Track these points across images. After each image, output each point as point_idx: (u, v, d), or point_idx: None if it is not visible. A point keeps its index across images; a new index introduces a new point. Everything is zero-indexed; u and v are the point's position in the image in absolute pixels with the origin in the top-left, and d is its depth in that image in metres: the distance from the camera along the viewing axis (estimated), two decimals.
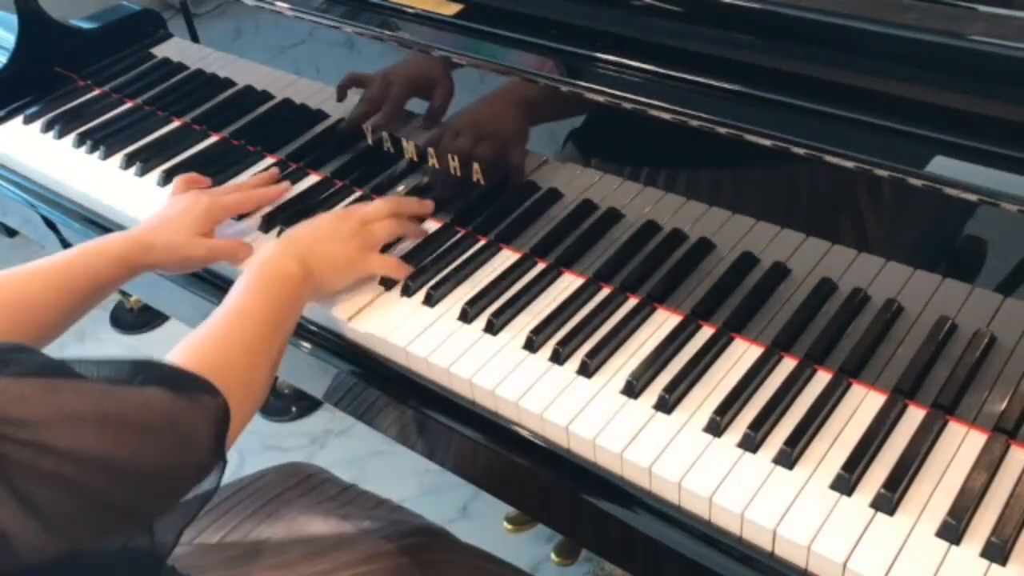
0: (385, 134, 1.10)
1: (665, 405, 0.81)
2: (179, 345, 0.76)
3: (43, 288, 0.87)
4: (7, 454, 0.52)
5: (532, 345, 0.88)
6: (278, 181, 1.13)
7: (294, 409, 1.89)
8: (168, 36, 1.31)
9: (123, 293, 2.06)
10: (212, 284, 1.06)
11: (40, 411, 0.55)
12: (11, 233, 2.18)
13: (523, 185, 1.01)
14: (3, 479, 0.52)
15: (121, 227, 1.15)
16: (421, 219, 1.05)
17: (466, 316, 0.93)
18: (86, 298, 0.91)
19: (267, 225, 1.08)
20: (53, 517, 0.54)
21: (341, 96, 1.10)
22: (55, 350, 0.83)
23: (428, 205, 1.05)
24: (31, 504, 0.53)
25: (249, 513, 0.96)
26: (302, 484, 1.01)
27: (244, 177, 1.17)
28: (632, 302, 0.92)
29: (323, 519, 0.95)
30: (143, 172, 1.20)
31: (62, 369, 0.59)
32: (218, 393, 0.68)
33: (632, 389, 0.83)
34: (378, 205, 0.99)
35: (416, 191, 1.09)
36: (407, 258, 1.00)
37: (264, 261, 0.87)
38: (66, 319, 0.89)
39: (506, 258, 1.00)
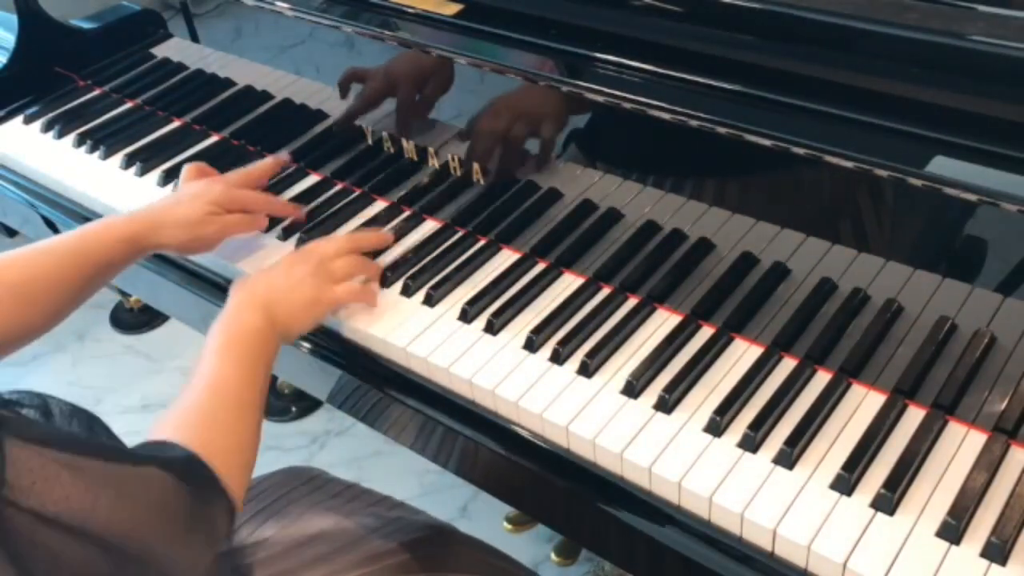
0: (385, 134, 1.10)
1: (665, 405, 0.81)
2: (164, 422, 0.74)
3: (52, 268, 0.87)
4: (9, 517, 0.52)
5: (532, 345, 0.88)
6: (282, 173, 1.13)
7: (294, 409, 1.89)
8: (168, 36, 1.31)
9: (123, 293, 2.06)
10: (212, 284, 1.06)
11: (47, 486, 0.54)
12: (11, 233, 2.18)
13: (523, 185, 1.01)
14: (1, 541, 0.52)
15: None
16: (378, 254, 1.02)
17: (466, 316, 0.93)
18: (94, 278, 0.91)
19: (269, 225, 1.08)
20: None
21: (343, 94, 1.10)
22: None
23: (387, 238, 1.03)
24: (27, 572, 0.53)
25: (251, 515, 0.96)
26: (305, 485, 1.01)
27: None
28: (632, 302, 0.92)
29: (328, 519, 0.95)
30: (143, 172, 1.20)
31: (76, 444, 0.58)
32: (228, 495, 0.69)
33: (632, 389, 0.83)
34: (335, 242, 0.97)
35: (416, 191, 1.09)
36: (407, 257, 1.00)
37: (226, 321, 0.85)
38: (74, 299, 0.89)
39: (506, 258, 1.00)
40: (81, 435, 0.62)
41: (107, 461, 0.59)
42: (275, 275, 0.90)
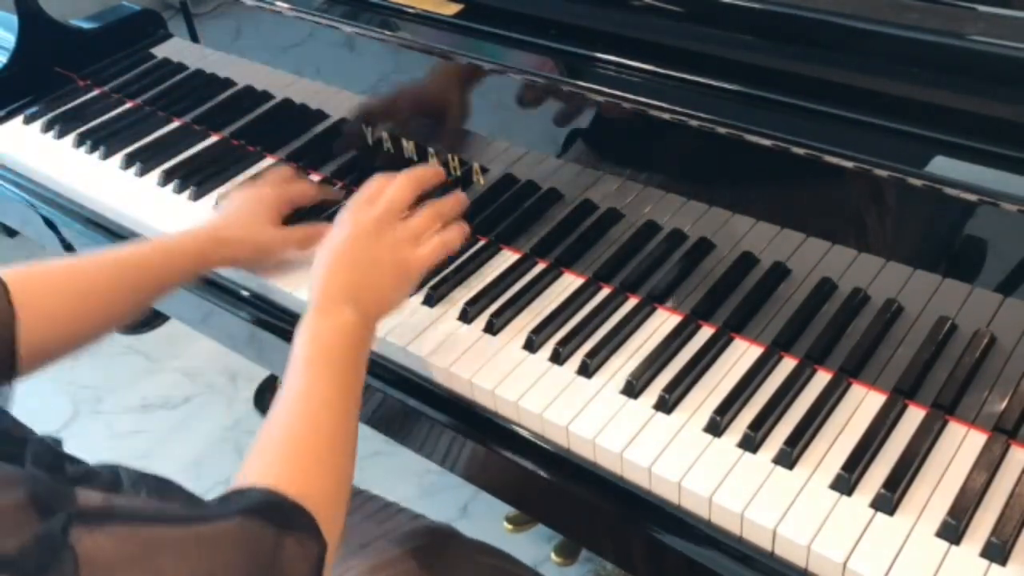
0: (385, 134, 1.10)
1: (665, 405, 0.81)
2: (258, 449, 0.68)
3: (113, 279, 0.86)
4: None
5: (532, 345, 0.88)
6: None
7: None
8: (168, 36, 1.31)
9: None
10: (213, 284, 1.06)
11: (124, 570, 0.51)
12: (11, 233, 2.18)
13: (523, 185, 1.01)
14: None
15: (121, 227, 1.15)
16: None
17: (466, 316, 0.93)
18: (154, 293, 0.90)
19: None
20: None
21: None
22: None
23: (439, 172, 0.94)
24: None
25: None
26: None
27: (244, 177, 1.17)
28: (632, 302, 0.92)
29: None
30: (143, 172, 1.20)
31: (149, 515, 0.55)
32: (318, 532, 0.62)
33: (632, 389, 0.83)
34: (398, 193, 0.87)
35: None
36: None
37: (313, 326, 0.77)
38: (131, 311, 0.89)
39: (506, 258, 1.00)
40: (145, 504, 0.58)
41: (171, 526, 0.55)
42: (353, 256, 0.82)
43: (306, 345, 0.76)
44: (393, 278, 0.83)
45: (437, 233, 0.87)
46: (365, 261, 0.82)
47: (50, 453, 0.58)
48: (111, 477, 0.59)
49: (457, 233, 0.88)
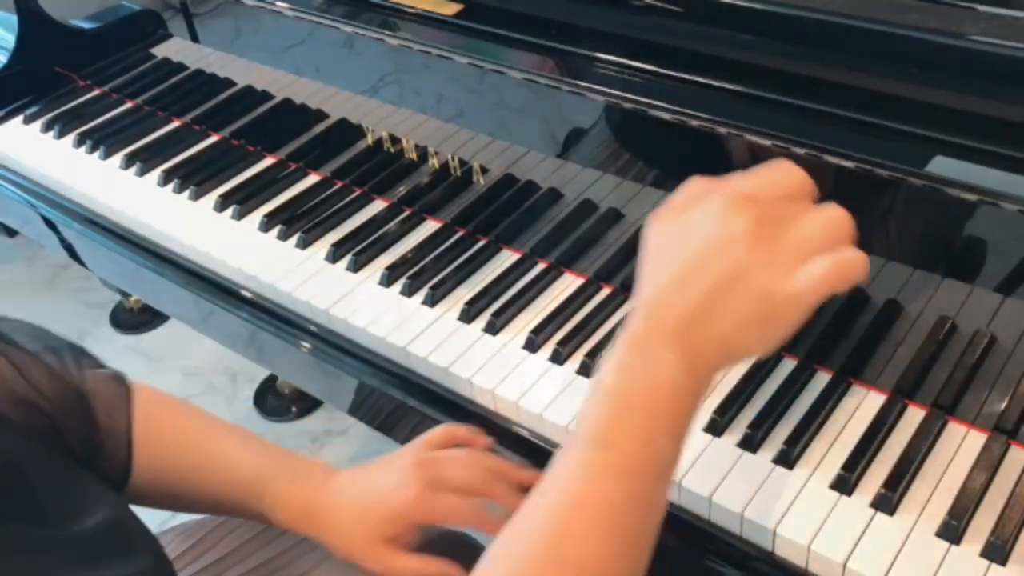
0: (385, 134, 1.10)
1: None
2: (496, 549, 0.52)
3: (202, 477, 0.83)
4: None
5: (532, 345, 0.88)
6: None
7: (294, 409, 1.89)
8: (168, 36, 1.31)
9: (123, 293, 2.06)
10: (213, 284, 1.06)
11: None
12: (11, 233, 2.18)
13: (523, 185, 1.01)
14: None
15: (121, 227, 1.15)
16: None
17: (466, 316, 0.93)
18: (223, 512, 0.86)
19: (266, 226, 1.08)
20: None
21: None
22: None
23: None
24: None
25: (250, 537, 0.91)
26: None
27: (242, 177, 1.17)
28: (632, 302, 0.92)
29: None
30: (143, 172, 1.20)
31: None
32: None
33: None
34: (794, 177, 0.58)
35: (416, 191, 1.09)
36: (407, 257, 1.00)
37: (618, 372, 0.54)
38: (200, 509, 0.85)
39: (506, 258, 1.00)
40: None
41: None
42: (708, 273, 0.54)
43: (600, 404, 0.53)
44: (757, 313, 0.53)
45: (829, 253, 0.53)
46: (724, 282, 0.53)
47: None
48: None
49: (858, 259, 0.53)
